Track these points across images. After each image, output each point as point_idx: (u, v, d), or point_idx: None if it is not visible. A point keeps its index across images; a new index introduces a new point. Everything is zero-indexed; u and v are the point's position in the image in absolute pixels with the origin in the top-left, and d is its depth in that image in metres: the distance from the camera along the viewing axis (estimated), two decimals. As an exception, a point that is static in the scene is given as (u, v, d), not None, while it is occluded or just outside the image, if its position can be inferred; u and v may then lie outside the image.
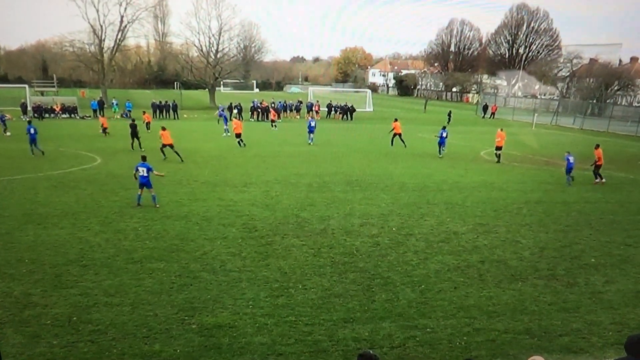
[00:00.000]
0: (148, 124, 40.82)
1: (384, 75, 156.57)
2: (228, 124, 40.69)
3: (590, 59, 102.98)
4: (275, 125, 46.32)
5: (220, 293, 11.06)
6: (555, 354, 9.15)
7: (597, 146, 25.03)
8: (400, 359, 8.92)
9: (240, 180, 22.88)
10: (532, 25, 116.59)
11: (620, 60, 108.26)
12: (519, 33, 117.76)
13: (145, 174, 17.64)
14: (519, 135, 43.05)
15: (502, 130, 31.11)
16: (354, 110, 59.93)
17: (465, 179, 24.93)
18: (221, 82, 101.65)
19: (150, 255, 13.17)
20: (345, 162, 28.79)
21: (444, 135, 31.65)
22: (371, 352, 5.64)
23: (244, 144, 32.93)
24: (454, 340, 9.51)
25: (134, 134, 30.83)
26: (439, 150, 32.01)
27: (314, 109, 56.87)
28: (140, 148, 30.33)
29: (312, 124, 36.55)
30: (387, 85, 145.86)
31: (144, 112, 43.06)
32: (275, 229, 15.70)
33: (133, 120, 32.54)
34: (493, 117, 69.21)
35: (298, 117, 58.67)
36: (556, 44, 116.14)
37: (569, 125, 59.56)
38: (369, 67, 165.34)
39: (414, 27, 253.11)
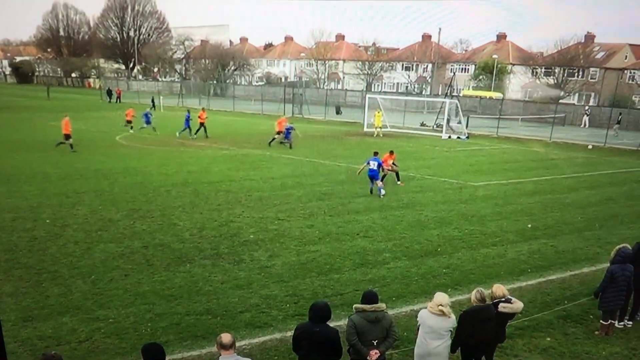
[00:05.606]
0: None
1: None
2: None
3: (202, 41, 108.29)
4: (132, 127, 37.62)
5: None
6: (241, 331, 9.31)
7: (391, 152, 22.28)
8: (91, 352, 8.59)
9: None
10: (136, 8, 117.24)
11: (230, 41, 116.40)
12: (125, 16, 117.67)
13: (375, 168, 19.60)
14: (154, 119, 40.28)
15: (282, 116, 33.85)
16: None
17: (106, 165, 24.63)
18: None
19: None
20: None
21: (188, 118, 34.68)
22: (53, 352, 5.60)
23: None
24: (139, 328, 9.33)
25: None
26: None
27: None
28: None
29: None
30: (4, 73, 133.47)
31: None
32: None
33: None
34: (119, 101, 68.52)
35: None
36: (165, 26, 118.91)
37: (196, 106, 59.82)
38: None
39: (19, 10, 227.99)
